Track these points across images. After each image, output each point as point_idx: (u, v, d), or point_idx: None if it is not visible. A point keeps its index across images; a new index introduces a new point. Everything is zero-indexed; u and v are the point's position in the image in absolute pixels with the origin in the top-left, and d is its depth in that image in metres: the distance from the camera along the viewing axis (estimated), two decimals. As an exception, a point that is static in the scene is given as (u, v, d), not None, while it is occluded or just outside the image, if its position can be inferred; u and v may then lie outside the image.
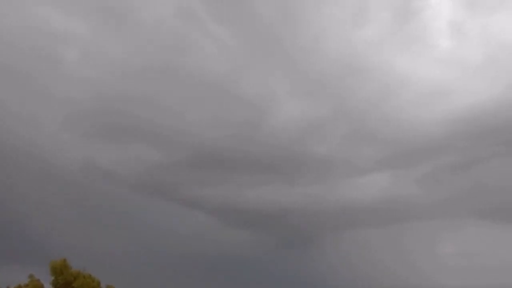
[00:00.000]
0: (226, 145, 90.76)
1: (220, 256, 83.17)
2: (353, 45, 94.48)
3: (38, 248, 63.86)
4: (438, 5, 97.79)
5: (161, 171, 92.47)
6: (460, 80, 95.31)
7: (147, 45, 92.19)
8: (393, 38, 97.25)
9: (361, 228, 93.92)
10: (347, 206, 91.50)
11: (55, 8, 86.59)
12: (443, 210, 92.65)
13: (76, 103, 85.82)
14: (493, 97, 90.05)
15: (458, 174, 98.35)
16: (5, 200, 71.43)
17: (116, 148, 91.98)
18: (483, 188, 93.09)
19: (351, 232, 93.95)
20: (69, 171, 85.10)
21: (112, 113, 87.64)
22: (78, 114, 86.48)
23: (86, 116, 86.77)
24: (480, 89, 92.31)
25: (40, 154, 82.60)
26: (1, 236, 61.67)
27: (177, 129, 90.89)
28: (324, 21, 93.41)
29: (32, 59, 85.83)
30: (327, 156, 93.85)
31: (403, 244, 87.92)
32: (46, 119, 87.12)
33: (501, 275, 72.79)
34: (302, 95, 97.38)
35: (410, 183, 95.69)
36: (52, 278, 34.48)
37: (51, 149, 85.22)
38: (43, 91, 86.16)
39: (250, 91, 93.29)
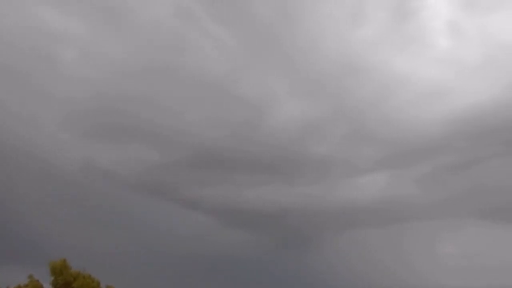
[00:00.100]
0: (225, 145, 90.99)
1: (220, 256, 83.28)
2: (352, 45, 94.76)
3: (38, 248, 63.93)
4: (436, 5, 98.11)
5: (160, 171, 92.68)
6: (459, 80, 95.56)
7: (146, 45, 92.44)
8: (392, 38, 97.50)
9: (360, 228, 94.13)
10: (347, 206, 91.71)
11: (54, 8, 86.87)
12: (442, 210, 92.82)
13: (75, 103, 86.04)
14: (492, 97, 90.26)
15: (458, 174, 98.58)
16: (5, 200, 71.56)
17: (115, 148, 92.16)
18: (483, 188, 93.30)
19: (350, 232, 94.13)
20: (68, 171, 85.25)
21: (111, 113, 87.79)
22: (77, 114, 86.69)
23: (85, 116, 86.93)
24: (479, 89, 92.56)
25: (40, 154, 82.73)
26: (1, 236, 61.70)
27: (177, 129, 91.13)
28: (322, 21, 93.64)
29: (31, 59, 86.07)
30: (326, 156, 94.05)
31: (403, 244, 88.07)
32: (45, 119, 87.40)
33: (501, 275, 72.92)
34: (302, 95, 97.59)
35: (410, 183, 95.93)
36: (52, 278, 34.41)
37: (50, 149, 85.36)
38: (42, 90, 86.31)
39: (249, 91, 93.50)
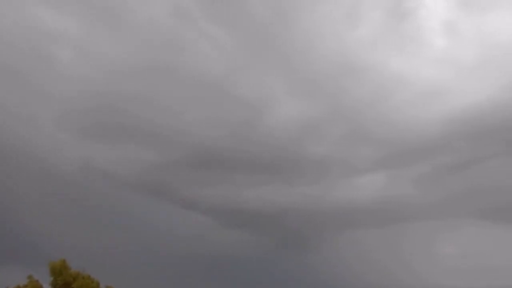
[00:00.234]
0: (225, 145, 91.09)
1: (219, 256, 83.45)
2: (350, 45, 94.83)
3: (37, 249, 64.04)
4: (432, 5, 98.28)
5: (160, 171, 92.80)
6: (457, 80, 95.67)
7: (145, 45, 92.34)
8: (389, 38, 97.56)
9: (359, 228, 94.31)
10: (346, 206, 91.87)
11: (53, 8, 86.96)
12: (441, 210, 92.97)
13: (73, 102, 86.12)
14: (490, 97, 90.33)
15: (456, 174, 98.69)
16: (4, 200, 71.64)
17: (114, 148, 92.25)
18: (482, 188, 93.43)
19: (349, 232, 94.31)
20: (67, 170, 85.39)
21: (110, 113, 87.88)
22: (75, 113, 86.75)
23: (84, 116, 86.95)
24: (477, 89, 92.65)
25: (39, 154, 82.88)
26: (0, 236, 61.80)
27: (176, 129, 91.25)
28: (320, 21, 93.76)
29: (29, 58, 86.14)
30: (325, 156, 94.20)
31: (401, 244, 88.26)
32: (44, 118, 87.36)
33: (500, 275, 73.02)
34: (300, 95, 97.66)
35: (408, 183, 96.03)
36: (51, 278, 34.52)
37: (49, 148, 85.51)
38: (40, 90, 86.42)
39: (248, 91, 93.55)
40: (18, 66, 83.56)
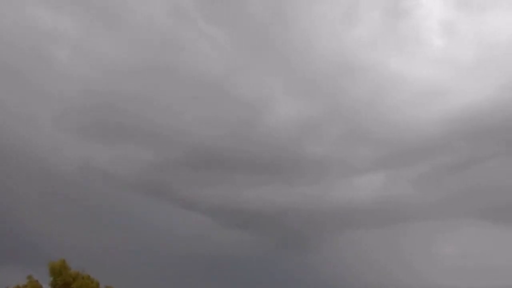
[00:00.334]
0: (225, 145, 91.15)
1: (219, 256, 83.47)
2: (348, 44, 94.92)
3: (37, 249, 64.05)
4: (429, 4, 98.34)
5: (159, 171, 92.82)
6: (455, 80, 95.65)
7: (145, 45, 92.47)
8: (387, 38, 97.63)
9: (358, 228, 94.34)
10: (345, 206, 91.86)
11: (52, 8, 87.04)
12: (440, 210, 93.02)
13: (73, 102, 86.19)
14: (488, 97, 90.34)
15: (455, 174, 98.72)
16: (3, 200, 71.66)
17: (114, 148, 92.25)
18: (481, 188, 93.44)
19: (348, 232, 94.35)
20: (67, 171, 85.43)
21: (110, 113, 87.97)
22: (75, 114, 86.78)
23: (83, 116, 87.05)
24: (476, 89, 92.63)
25: (39, 154, 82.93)
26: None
27: (177, 128, 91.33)
28: (318, 21, 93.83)
29: (29, 58, 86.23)
30: (323, 156, 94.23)
31: (401, 244, 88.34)
32: (43, 118, 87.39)
33: (500, 276, 73.09)
34: (298, 95, 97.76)
35: (407, 183, 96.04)
36: (51, 279, 34.56)
37: (49, 148, 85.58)
38: (38, 90, 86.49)
39: (246, 91, 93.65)
40: (18, 66, 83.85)
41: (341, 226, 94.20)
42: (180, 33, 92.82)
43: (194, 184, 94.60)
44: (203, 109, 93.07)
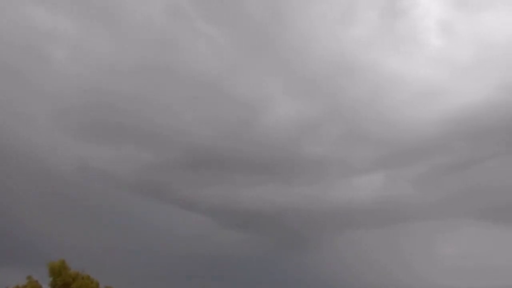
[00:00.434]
0: (225, 145, 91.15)
1: (218, 257, 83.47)
2: (346, 44, 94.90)
3: (37, 249, 64.02)
4: (427, 4, 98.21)
5: (158, 171, 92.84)
6: (453, 80, 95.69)
7: (143, 45, 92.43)
8: (385, 37, 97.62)
9: (358, 228, 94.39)
10: (344, 206, 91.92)
11: (51, 8, 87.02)
12: (439, 210, 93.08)
13: (72, 102, 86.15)
14: (487, 97, 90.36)
15: (454, 174, 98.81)
16: (3, 200, 71.62)
17: (113, 148, 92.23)
18: (480, 188, 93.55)
19: (348, 232, 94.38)
20: (67, 171, 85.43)
21: (108, 113, 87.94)
22: (74, 114, 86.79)
23: (82, 116, 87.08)
24: (474, 89, 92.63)
25: (39, 155, 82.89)
26: (-1, 236, 61.77)
27: (176, 129, 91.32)
28: (316, 21, 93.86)
29: (28, 58, 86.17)
30: (323, 156, 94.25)
31: (400, 244, 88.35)
32: (42, 118, 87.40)
33: (499, 276, 73.11)
34: (297, 95, 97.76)
35: (406, 184, 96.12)
36: (51, 279, 34.49)
37: (48, 149, 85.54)
38: (40, 90, 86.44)
39: (245, 91, 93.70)
40: (18, 66, 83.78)
41: (341, 226, 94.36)
42: (179, 33, 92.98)
43: (194, 184, 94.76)
44: (203, 109, 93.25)
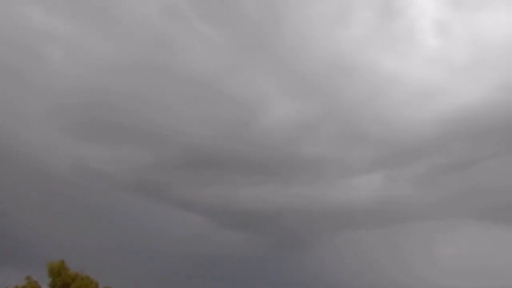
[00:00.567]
0: (223, 145, 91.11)
1: (217, 257, 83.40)
2: (343, 44, 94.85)
3: (36, 249, 63.94)
4: (423, 4, 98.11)
5: (157, 172, 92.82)
6: (451, 80, 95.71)
7: (140, 45, 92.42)
8: (381, 37, 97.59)
9: (357, 228, 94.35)
10: (343, 206, 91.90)
11: (48, 7, 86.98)
12: (439, 210, 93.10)
13: (72, 102, 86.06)
14: (485, 97, 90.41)
15: (453, 174, 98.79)
16: (3, 200, 71.53)
17: (112, 149, 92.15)
18: (479, 188, 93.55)
19: (347, 232, 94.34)
20: (66, 171, 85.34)
21: (107, 113, 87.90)
22: (72, 114, 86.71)
23: (80, 116, 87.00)
24: (471, 89, 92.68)
25: (38, 155, 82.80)
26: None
27: (176, 129, 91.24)
28: (313, 21, 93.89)
29: (24, 57, 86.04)
30: (321, 156, 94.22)
31: (400, 244, 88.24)
32: (40, 118, 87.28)
33: (499, 276, 73.04)
34: (296, 95, 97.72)
35: (405, 184, 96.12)
36: (50, 279, 34.41)
37: (47, 149, 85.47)
38: (39, 90, 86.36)
39: (245, 91, 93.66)
40: (16, 65, 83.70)
41: (340, 226, 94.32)
42: (176, 32, 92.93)
43: (194, 184, 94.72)
44: (202, 109, 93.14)
